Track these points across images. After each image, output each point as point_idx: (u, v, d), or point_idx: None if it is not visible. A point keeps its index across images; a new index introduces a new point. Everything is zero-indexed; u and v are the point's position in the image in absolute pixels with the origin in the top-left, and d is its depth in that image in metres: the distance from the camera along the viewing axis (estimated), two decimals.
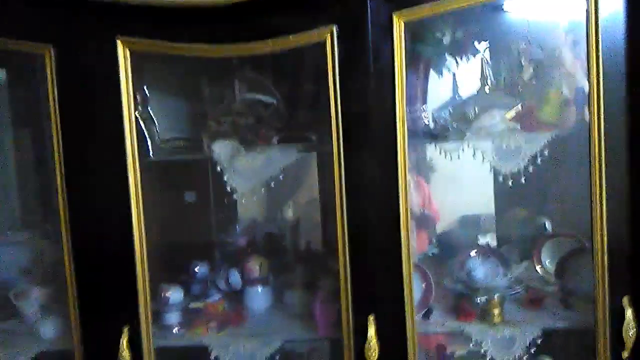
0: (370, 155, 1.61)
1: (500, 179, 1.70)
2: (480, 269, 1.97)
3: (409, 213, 1.62)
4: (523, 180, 1.68)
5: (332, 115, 1.60)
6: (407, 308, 1.65)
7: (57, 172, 1.70)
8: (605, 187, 1.57)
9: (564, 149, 1.76)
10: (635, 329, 1.60)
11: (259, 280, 2.03)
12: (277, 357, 1.79)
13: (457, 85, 1.96)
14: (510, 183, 1.69)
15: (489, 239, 2.27)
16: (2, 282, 2.08)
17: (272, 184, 1.75)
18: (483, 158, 1.71)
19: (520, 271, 2.03)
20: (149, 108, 1.82)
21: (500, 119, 1.73)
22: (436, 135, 1.81)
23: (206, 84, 2.01)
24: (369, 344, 1.62)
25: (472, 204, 2.39)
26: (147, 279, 1.69)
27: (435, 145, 1.80)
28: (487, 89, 1.85)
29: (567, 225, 2.08)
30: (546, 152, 1.68)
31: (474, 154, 1.72)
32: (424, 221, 2.28)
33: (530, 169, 1.68)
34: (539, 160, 1.68)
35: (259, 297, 2.03)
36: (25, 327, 1.96)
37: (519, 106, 1.77)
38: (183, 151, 1.92)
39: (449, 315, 1.88)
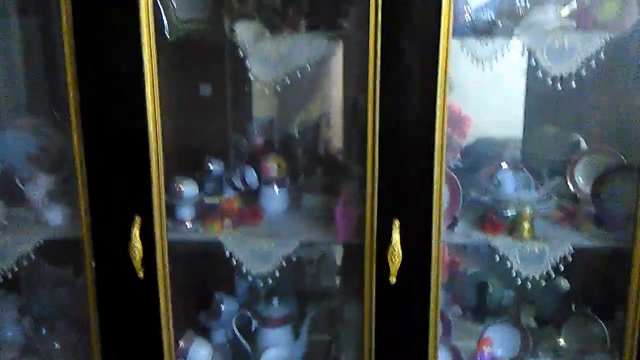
0: (409, 44, 1.47)
1: (549, 81, 1.55)
2: (510, 182, 1.86)
3: (446, 111, 1.49)
4: (573, 84, 1.54)
5: None
6: (435, 215, 1.56)
7: (66, 50, 1.55)
8: None
9: (621, 53, 1.61)
10: None
11: (276, 179, 1.93)
12: (294, 259, 1.71)
13: None
14: (559, 86, 1.55)
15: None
16: (9, 167, 1.99)
17: (298, 74, 1.60)
18: (529, 56, 1.56)
19: (553, 186, 1.92)
20: None
21: (553, 15, 1.57)
22: (480, 31, 1.64)
23: None
24: (393, 249, 1.53)
25: (497, 125, 2.27)
26: (161, 166, 1.58)
27: (469, 52, 1.63)
28: None
29: (608, 141, 1.95)
30: (602, 56, 1.53)
31: (522, 53, 1.57)
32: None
33: (583, 72, 1.53)
34: (593, 63, 1.53)
35: (275, 198, 1.94)
36: (32, 213, 1.89)
37: (574, 2, 1.61)
38: (202, 33, 1.76)
39: (474, 228, 1.79)
